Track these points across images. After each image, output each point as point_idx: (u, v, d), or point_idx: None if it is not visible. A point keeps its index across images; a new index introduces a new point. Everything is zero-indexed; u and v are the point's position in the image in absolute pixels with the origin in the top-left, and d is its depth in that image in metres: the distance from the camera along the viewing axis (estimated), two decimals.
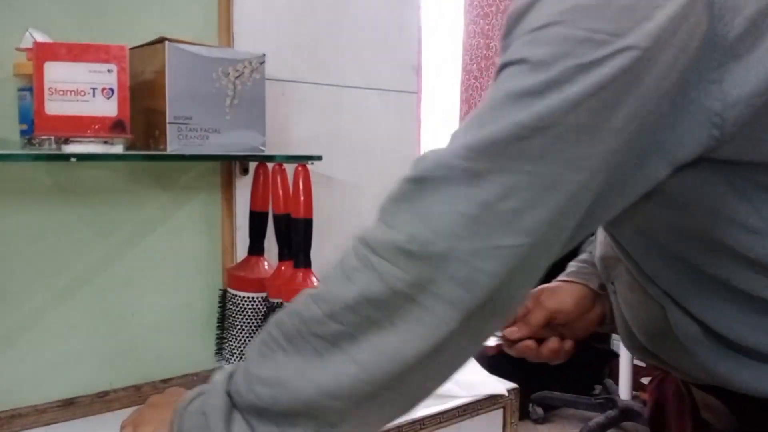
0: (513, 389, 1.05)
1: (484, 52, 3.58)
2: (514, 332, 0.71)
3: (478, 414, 1.01)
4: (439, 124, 4.12)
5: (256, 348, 0.51)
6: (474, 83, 3.66)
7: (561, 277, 0.78)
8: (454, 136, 0.48)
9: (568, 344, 0.75)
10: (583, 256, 0.80)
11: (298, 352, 0.47)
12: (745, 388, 0.57)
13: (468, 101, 3.71)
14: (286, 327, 0.49)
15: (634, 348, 0.68)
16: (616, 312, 0.70)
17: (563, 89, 0.44)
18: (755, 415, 0.58)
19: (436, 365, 0.47)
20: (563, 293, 0.74)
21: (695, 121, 0.49)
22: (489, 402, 1.02)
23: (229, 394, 0.50)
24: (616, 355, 2.62)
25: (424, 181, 0.46)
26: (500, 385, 1.05)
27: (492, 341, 0.59)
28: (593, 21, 0.45)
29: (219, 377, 0.52)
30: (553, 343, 0.72)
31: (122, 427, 0.63)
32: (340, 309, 0.46)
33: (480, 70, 3.63)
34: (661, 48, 0.45)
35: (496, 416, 1.04)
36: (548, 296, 0.73)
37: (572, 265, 0.80)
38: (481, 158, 0.44)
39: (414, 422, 0.93)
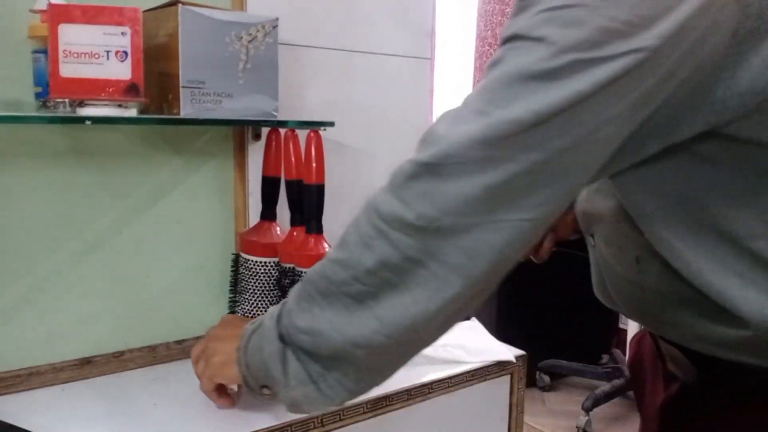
0: (521, 356, 1.06)
1: (500, 18, 3.52)
2: None
3: (485, 379, 1.02)
4: (452, 91, 4.08)
5: (295, 300, 0.60)
6: (489, 50, 3.61)
7: None
8: (466, 104, 0.52)
9: (548, 243, 0.82)
10: None
11: (331, 306, 0.56)
12: (697, 347, 0.61)
13: (482, 68, 3.66)
14: (318, 286, 0.57)
15: (603, 296, 0.74)
16: (592, 261, 0.75)
17: (574, 80, 0.46)
18: (711, 367, 0.62)
19: (441, 322, 0.54)
20: None
21: (697, 107, 0.50)
22: (497, 368, 1.03)
23: (281, 336, 0.61)
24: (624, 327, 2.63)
25: (436, 167, 0.50)
26: (508, 352, 1.06)
27: None
28: (615, 10, 0.45)
29: (268, 321, 0.63)
30: None
31: (195, 360, 0.77)
32: (362, 273, 0.54)
33: (495, 37, 3.57)
34: (678, 43, 0.46)
35: (504, 382, 1.05)
36: None
37: None
38: (491, 148, 0.48)
39: (422, 386, 0.95)
